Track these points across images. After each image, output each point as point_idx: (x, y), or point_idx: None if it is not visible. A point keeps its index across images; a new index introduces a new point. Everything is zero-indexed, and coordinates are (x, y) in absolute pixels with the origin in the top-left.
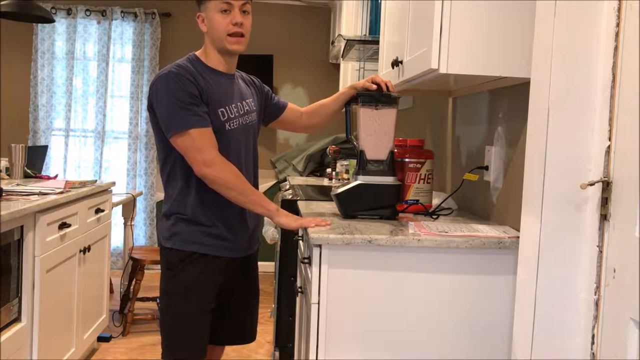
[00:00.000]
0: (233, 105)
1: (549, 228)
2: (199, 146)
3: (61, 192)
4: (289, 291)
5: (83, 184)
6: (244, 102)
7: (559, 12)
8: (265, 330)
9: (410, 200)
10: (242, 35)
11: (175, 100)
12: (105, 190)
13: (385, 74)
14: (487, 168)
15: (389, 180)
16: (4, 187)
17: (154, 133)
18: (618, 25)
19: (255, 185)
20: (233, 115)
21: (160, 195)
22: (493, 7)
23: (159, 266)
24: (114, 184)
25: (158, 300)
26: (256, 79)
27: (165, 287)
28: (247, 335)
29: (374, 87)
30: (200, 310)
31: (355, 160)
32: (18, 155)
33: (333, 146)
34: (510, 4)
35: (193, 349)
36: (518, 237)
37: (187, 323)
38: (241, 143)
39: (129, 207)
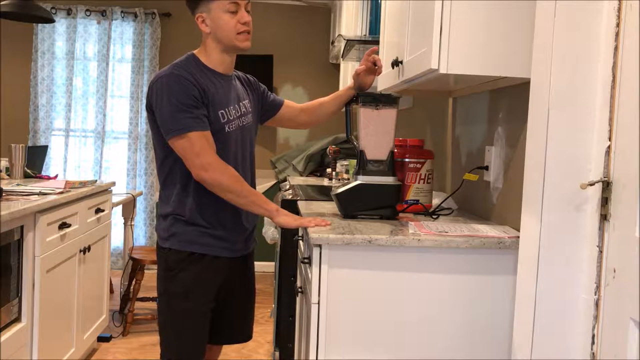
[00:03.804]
0: (232, 107)
1: (549, 228)
2: (198, 150)
3: (61, 192)
4: (289, 291)
5: (83, 184)
6: (241, 104)
7: (559, 12)
8: (265, 330)
9: (410, 200)
10: (249, 32)
11: (176, 102)
12: (105, 190)
13: (385, 74)
14: (487, 168)
15: (389, 180)
16: (4, 187)
17: (152, 134)
18: (618, 25)
19: (253, 187)
20: (232, 117)
21: None
22: (493, 7)
23: None
24: (114, 184)
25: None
26: (252, 77)
27: (164, 288)
28: (244, 334)
29: (362, 67)
30: (199, 310)
31: (355, 160)
32: (18, 155)
33: (333, 146)
34: (510, 4)
35: (192, 349)
36: (518, 237)
37: (186, 323)
38: (239, 145)
39: (129, 207)
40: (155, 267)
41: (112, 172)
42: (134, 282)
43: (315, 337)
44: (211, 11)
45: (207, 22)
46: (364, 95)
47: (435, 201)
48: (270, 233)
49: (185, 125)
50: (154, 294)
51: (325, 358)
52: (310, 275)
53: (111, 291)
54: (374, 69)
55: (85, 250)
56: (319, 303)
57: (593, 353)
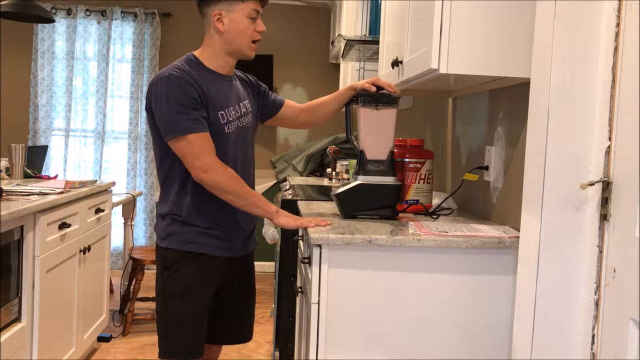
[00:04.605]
0: (232, 108)
1: (549, 228)
2: (197, 151)
3: (61, 192)
4: (289, 291)
5: (83, 184)
6: (241, 104)
7: (559, 12)
8: (265, 330)
9: (410, 200)
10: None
11: (175, 104)
12: (105, 190)
13: (385, 74)
14: (487, 168)
15: (389, 180)
16: (4, 187)
17: (151, 134)
18: (618, 25)
19: (252, 187)
20: (232, 118)
21: None
22: (493, 7)
23: None
24: (114, 184)
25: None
26: (252, 77)
27: (162, 287)
28: (244, 334)
29: (374, 88)
30: (197, 310)
31: (355, 160)
32: (18, 155)
33: (333, 146)
34: (510, 4)
35: (190, 348)
36: (518, 237)
37: (184, 323)
38: (238, 145)
39: (129, 207)
40: (155, 267)
41: (112, 172)
42: (134, 282)
43: (315, 337)
44: (233, 12)
45: (225, 21)
46: (364, 95)
47: (435, 201)
48: (270, 233)
49: (184, 127)
50: (154, 294)
51: (325, 358)
52: (310, 275)
53: (111, 291)
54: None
55: (85, 250)
56: (319, 303)
57: (593, 353)
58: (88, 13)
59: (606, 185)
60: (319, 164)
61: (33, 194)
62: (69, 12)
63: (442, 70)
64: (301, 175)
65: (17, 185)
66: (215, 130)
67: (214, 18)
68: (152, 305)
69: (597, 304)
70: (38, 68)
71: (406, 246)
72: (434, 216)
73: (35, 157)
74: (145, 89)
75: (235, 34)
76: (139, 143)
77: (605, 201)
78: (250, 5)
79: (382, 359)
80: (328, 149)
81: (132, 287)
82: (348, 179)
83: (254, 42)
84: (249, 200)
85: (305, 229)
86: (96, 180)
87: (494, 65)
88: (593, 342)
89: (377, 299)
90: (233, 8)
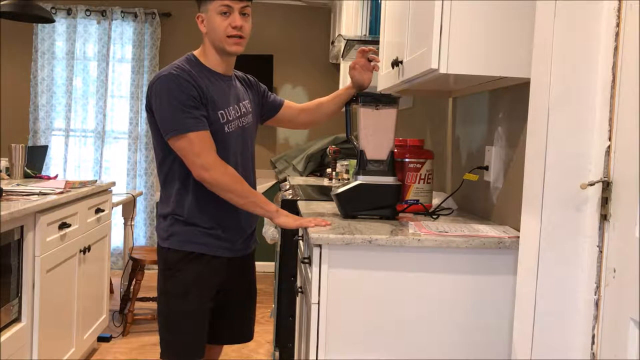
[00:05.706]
0: (231, 108)
1: (549, 228)
2: (198, 150)
3: (61, 192)
4: (289, 291)
5: (83, 184)
6: (240, 104)
7: (559, 12)
8: (265, 330)
9: (410, 200)
10: (241, 37)
11: (175, 103)
12: (105, 190)
13: (385, 74)
14: (487, 168)
15: (389, 180)
16: (4, 187)
17: (152, 133)
18: (618, 25)
19: (253, 187)
20: (231, 118)
21: None
22: (493, 7)
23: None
24: (114, 184)
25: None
26: (252, 77)
27: (163, 287)
28: (244, 334)
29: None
30: (198, 310)
31: (355, 160)
32: (18, 155)
33: (333, 146)
34: (510, 4)
35: (191, 348)
36: (518, 237)
37: (185, 323)
38: (239, 145)
39: (129, 207)
40: (155, 267)
41: (112, 172)
42: (134, 282)
43: (315, 337)
44: (207, 12)
45: (205, 23)
46: (363, 95)
47: (435, 201)
48: (270, 233)
49: (184, 125)
50: (154, 294)
51: (325, 358)
52: (310, 275)
53: (111, 291)
54: (369, 65)
55: (85, 250)
56: (319, 303)
57: (593, 353)
58: (88, 13)
59: (606, 185)
60: (319, 164)
61: (33, 194)
62: (69, 12)
63: (442, 70)
64: (301, 175)
65: (17, 185)
66: (215, 129)
67: (198, 21)
68: (152, 305)
69: (597, 304)
70: (38, 68)
71: (406, 246)
72: (434, 216)
73: (35, 157)
74: (145, 89)
75: (212, 33)
76: (139, 143)
77: (605, 201)
78: (218, 2)
79: (382, 359)
80: (328, 149)
81: (132, 287)
82: (348, 179)
83: (230, 37)
84: (249, 199)
85: (305, 229)
86: (96, 180)
87: (494, 65)
88: (593, 342)
89: (377, 299)
90: (207, 8)
